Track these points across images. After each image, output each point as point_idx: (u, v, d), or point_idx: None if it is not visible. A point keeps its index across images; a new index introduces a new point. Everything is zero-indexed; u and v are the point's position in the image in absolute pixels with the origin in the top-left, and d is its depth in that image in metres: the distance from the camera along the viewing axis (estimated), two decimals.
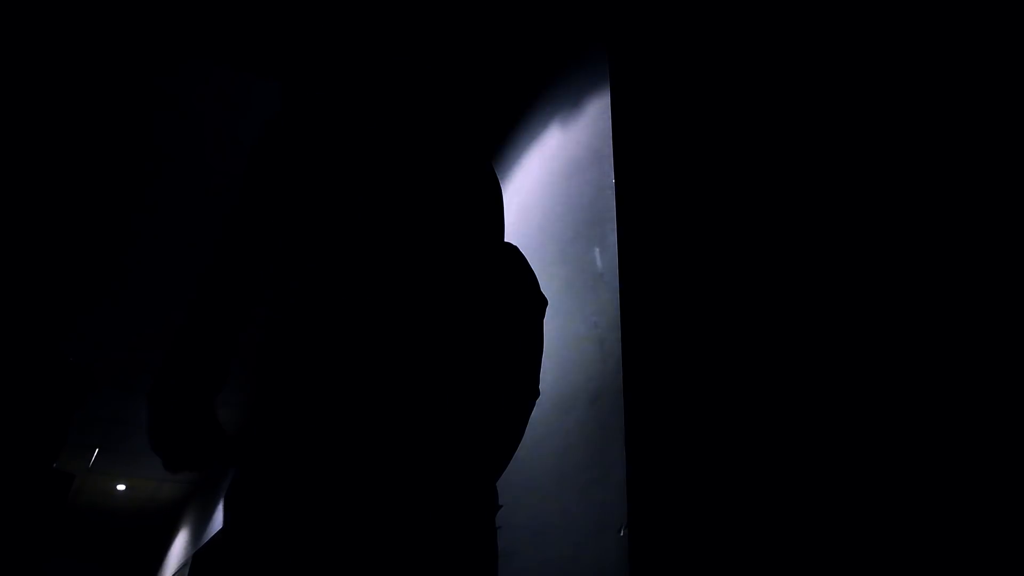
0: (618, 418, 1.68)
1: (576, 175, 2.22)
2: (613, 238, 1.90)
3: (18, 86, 2.81)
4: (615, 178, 1.97)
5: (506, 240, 1.25)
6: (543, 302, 1.15)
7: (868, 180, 1.48)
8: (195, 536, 7.42)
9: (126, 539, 9.55)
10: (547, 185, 2.41)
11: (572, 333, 1.99)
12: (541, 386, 1.72)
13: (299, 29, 2.61)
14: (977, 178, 1.01)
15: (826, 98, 1.78)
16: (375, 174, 1.09)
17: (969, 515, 0.95)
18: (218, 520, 6.30)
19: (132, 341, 5.10)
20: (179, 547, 8.12)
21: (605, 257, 1.92)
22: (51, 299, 4.44)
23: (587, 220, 2.07)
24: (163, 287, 4.40)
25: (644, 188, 1.99)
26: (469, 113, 1.26)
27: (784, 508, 1.52)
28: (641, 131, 2.08)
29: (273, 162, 1.08)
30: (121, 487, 9.22)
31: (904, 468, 1.13)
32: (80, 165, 3.29)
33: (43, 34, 2.58)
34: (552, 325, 2.12)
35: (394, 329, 1.00)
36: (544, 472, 1.90)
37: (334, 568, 0.90)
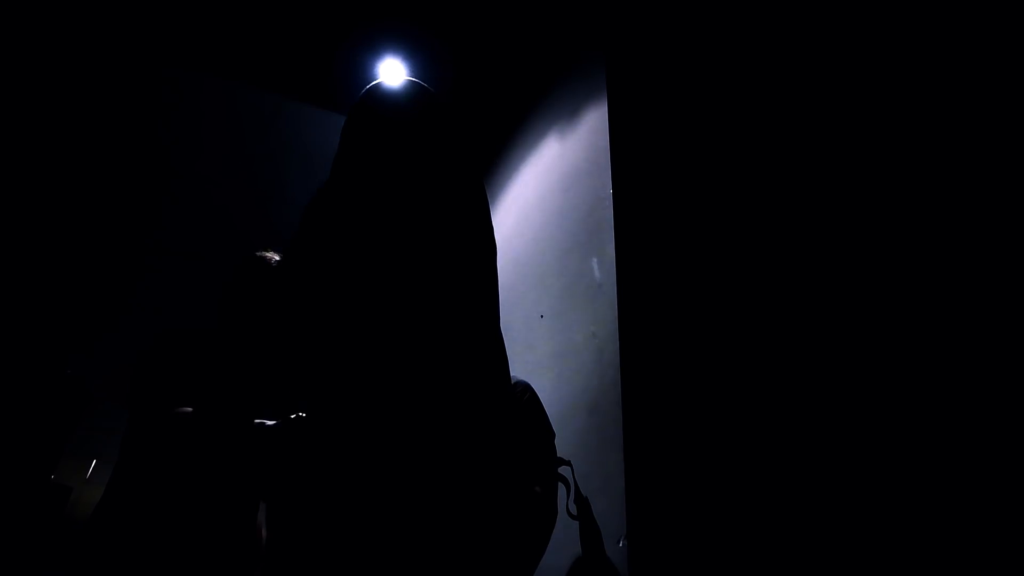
0: (617, 428, 1.68)
1: (574, 185, 2.23)
2: (611, 248, 1.91)
3: (32, 99, 2.82)
4: (612, 188, 1.98)
5: (504, 250, 1.28)
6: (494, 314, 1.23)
7: (865, 190, 1.49)
8: None
9: None
10: (545, 196, 2.42)
11: (570, 343, 1.99)
12: (540, 396, 1.72)
13: (300, 44, 2.63)
14: (974, 178, 1.02)
15: (822, 109, 1.79)
16: (370, 193, 1.16)
17: (968, 516, 0.95)
18: None
19: (130, 354, 5.09)
20: None
21: (603, 267, 1.93)
22: (51, 313, 4.44)
23: (585, 230, 2.08)
24: (162, 301, 4.40)
25: (641, 198, 2.00)
26: (460, 131, 1.31)
27: (783, 518, 1.52)
28: (638, 141, 2.09)
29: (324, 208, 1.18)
30: None
31: (901, 480, 1.14)
32: (85, 184, 3.30)
33: (53, 52, 2.60)
34: (550, 335, 2.13)
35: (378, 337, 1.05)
36: None
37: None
